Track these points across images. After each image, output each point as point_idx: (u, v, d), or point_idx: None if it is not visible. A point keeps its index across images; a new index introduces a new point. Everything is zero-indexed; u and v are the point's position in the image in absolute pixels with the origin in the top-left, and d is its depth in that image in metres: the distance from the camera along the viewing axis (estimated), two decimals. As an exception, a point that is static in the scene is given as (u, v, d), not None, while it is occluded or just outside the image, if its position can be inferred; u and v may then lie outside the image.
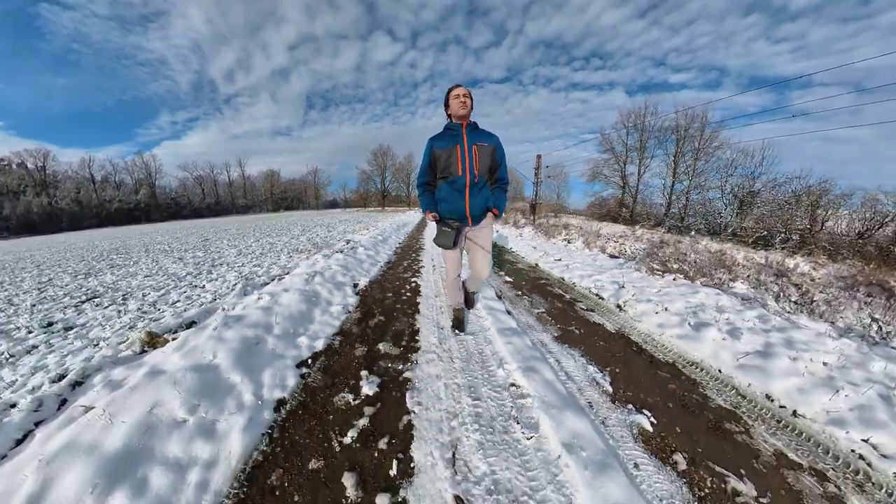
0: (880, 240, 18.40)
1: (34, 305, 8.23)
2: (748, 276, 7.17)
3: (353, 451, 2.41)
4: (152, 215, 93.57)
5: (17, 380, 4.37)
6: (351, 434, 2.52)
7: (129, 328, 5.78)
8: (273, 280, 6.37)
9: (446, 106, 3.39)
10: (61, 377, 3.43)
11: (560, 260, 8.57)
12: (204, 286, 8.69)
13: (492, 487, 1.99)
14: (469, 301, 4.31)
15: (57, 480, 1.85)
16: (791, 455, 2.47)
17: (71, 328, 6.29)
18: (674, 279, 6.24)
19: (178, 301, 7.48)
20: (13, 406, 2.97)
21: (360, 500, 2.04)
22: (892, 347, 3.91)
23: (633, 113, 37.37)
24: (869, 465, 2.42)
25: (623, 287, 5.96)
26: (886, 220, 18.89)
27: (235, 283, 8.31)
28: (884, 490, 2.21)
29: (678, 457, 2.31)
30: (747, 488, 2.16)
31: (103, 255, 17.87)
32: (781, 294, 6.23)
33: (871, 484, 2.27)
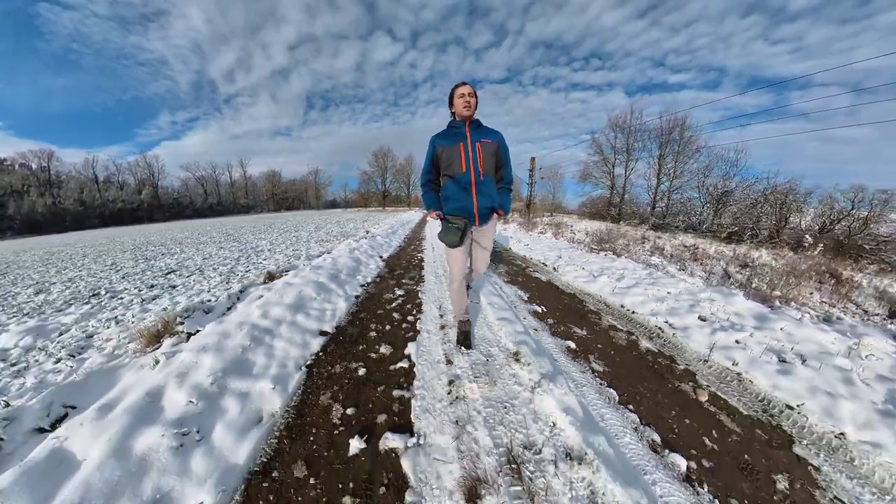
0: (837, 234, 19.48)
1: (123, 278, 10.35)
2: (670, 255, 9.55)
3: (396, 307, 4.92)
4: (155, 215, 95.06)
5: (166, 307, 6.66)
6: (394, 304, 5.06)
7: (226, 282, 7.97)
8: (322, 254, 8.82)
9: (450, 103, 3.31)
10: (202, 303, 5.79)
11: (528, 245, 10.89)
12: (262, 262, 10.58)
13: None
14: (465, 337, 3.86)
15: (269, 312, 4.19)
16: (618, 326, 4.51)
17: (174, 287, 8.37)
18: (605, 255, 8.61)
19: (249, 271, 9.34)
20: (207, 302, 5.41)
21: (401, 319, 4.45)
22: (729, 288, 5.89)
23: (620, 118, 39.17)
24: (661, 330, 4.44)
25: (561, 258, 8.34)
26: (842, 217, 20.24)
27: (288, 260, 10.20)
28: (663, 339, 4.18)
29: (550, 319, 4.55)
30: (582, 332, 4.27)
31: (140, 248, 19.43)
32: (685, 264, 8.51)
33: (658, 337, 4.22)
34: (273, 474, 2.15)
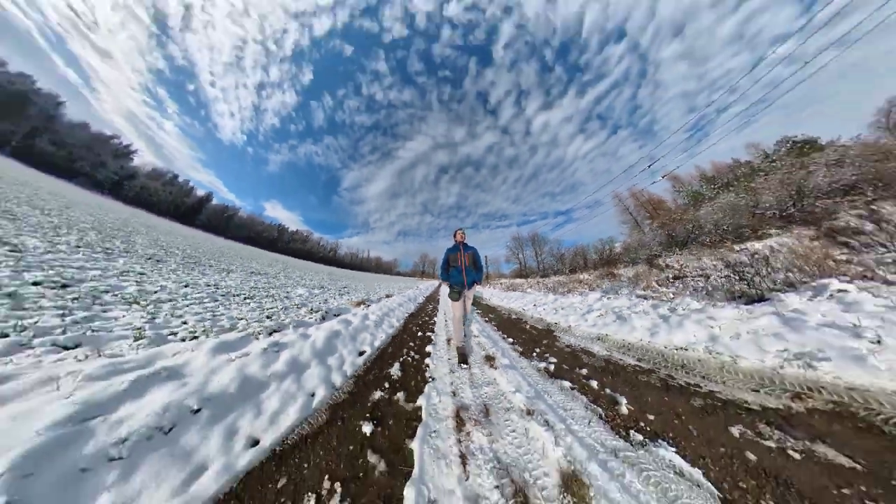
0: (611, 258, 19.46)
1: (329, 283, 10.99)
2: (548, 286, 9.98)
3: (429, 311, 5.87)
4: (337, 263, 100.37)
5: (349, 298, 7.84)
6: (429, 309, 6.06)
7: (367, 296, 9.07)
8: (404, 291, 10.07)
9: (454, 235, 3.17)
10: (369, 298, 7.11)
11: (481, 291, 11.44)
12: (379, 291, 11.03)
13: (447, 308, 5.59)
14: (463, 357, 2.94)
15: (391, 304, 5.47)
16: (505, 313, 5.31)
17: (349, 292, 9.25)
18: (510, 291, 9.29)
19: (377, 293, 9.81)
20: (370, 299, 6.77)
21: (432, 312, 5.50)
22: (547, 292, 6.65)
23: (516, 234, 41.83)
24: (521, 311, 5.30)
25: (493, 295, 9.31)
26: (605, 251, 20.19)
27: (390, 290, 10.92)
28: (520, 314, 5.01)
29: (483, 315, 5.18)
30: (493, 316, 4.93)
31: (330, 276, 18.71)
32: (539, 287, 9.01)
33: (519, 314, 5.10)
34: (398, 339, 3.36)
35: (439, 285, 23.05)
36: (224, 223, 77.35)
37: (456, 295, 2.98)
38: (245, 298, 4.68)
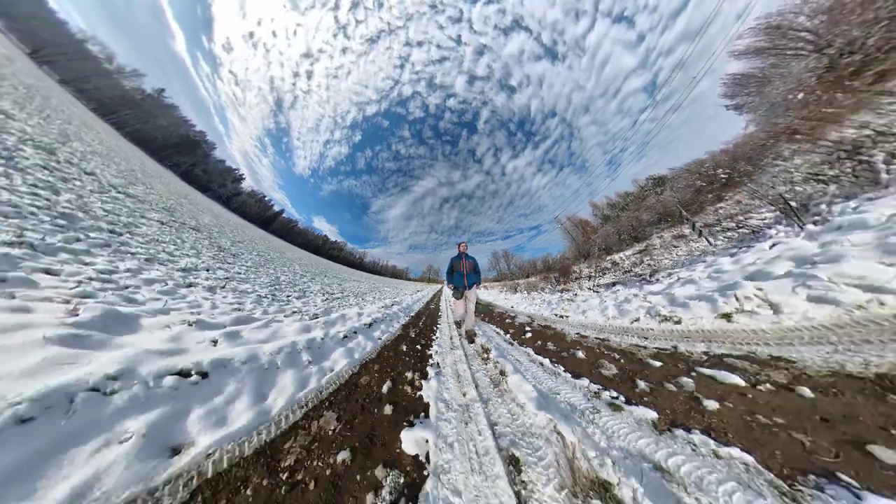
0: (550, 266, 17.89)
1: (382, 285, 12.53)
2: (521, 286, 11.14)
3: (437, 301, 8.02)
4: (365, 269, 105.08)
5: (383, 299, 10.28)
6: (436, 300, 8.37)
7: (405, 294, 10.35)
8: (420, 291, 12.12)
9: (458, 246, 3.04)
10: (398, 300, 9.72)
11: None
12: (403, 290, 12.28)
13: (450, 303, 7.34)
14: (470, 338, 2.86)
15: (414, 301, 7.47)
16: (486, 305, 6.72)
17: (398, 290, 11.10)
18: (488, 290, 11.73)
19: (414, 289, 11.74)
20: (397, 299, 9.80)
21: (437, 301, 7.75)
22: (508, 293, 8.03)
23: (495, 250, 43.65)
24: (495, 304, 6.73)
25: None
26: (549, 260, 19.89)
27: (415, 291, 12.04)
28: (497, 307, 6.02)
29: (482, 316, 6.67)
30: (481, 308, 6.41)
31: (379, 280, 22.28)
32: (519, 288, 10.37)
33: (496, 307, 6.02)
34: (433, 298, 5.90)
35: (441, 288, 22.23)
36: (288, 231, 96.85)
37: (458, 294, 2.95)
38: (366, 293, 7.27)
